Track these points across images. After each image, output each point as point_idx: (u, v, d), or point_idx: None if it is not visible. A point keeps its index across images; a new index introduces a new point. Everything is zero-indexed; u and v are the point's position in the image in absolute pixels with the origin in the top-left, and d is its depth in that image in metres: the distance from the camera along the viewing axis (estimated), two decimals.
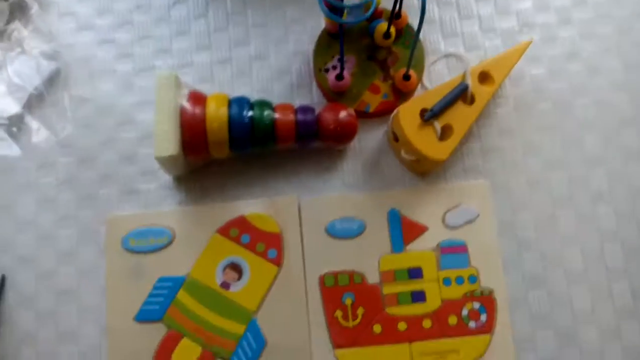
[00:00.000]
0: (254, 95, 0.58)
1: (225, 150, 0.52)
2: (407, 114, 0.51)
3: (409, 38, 0.57)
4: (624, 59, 0.58)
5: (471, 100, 0.53)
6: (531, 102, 0.58)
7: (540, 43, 0.59)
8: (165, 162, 0.50)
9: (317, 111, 0.54)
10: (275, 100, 0.57)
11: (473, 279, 0.53)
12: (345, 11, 0.55)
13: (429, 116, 0.51)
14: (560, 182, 0.55)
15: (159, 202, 0.56)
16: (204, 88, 0.58)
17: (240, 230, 0.54)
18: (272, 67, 0.60)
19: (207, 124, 0.51)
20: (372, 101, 0.56)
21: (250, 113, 0.52)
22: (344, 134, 0.54)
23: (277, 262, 0.54)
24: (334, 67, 0.57)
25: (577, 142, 0.56)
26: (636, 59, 0.58)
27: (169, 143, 0.49)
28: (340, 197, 0.56)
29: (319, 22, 0.60)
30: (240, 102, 0.52)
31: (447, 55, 0.59)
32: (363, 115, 0.56)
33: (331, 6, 0.47)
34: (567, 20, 0.59)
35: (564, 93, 0.58)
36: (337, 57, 0.57)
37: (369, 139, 0.57)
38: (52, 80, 0.60)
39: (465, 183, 0.56)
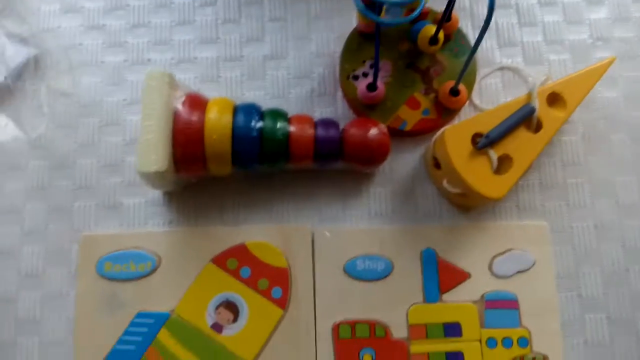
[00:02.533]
0: (266, 102, 0.57)
1: (227, 168, 0.52)
2: (456, 137, 0.50)
3: (458, 45, 0.58)
4: None
5: (537, 128, 0.51)
6: (603, 131, 0.57)
7: (617, 61, 0.59)
8: (150, 178, 0.49)
9: (341, 126, 0.54)
10: (291, 109, 0.56)
11: (524, 341, 0.51)
12: (384, 8, 0.55)
13: (483, 144, 0.49)
14: (635, 230, 0.54)
15: (144, 221, 0.56)
16: (207, 89, 0.59)
17: (239, 262, 0.54)
18: (290, 69, 0.60)
19: (206, 135, 0.50)
20: (410, 118, 0.56)
21: (260, 124, 0.51)
22: (373, 156, 0.53)
23: (282, 303, 0.53)
24: (365, 75, 0.57)
25: None
26: None
27: (156, 156, 0.48)
28: (363, 231, 0.55)
29: (349, 19, 0.60)
30: (249, 110, 0.52)
31: (502, 68, 0.59)
32: (397, 133, 0.56)
33: (369, 1, 0.48)
34: None
35: None
36: (369, 62, 0.57)
37: (403, 163, 0.57)
38: (27, 70, 0.60)
39: (519, 223, 0.55)
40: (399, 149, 0.57)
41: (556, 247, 0.54)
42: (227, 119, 0.51)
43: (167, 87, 0.51)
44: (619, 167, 0.56)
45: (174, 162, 0.50)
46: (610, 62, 0.55)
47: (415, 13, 0.46)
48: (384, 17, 0.55)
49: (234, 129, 0.51)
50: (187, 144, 0.50)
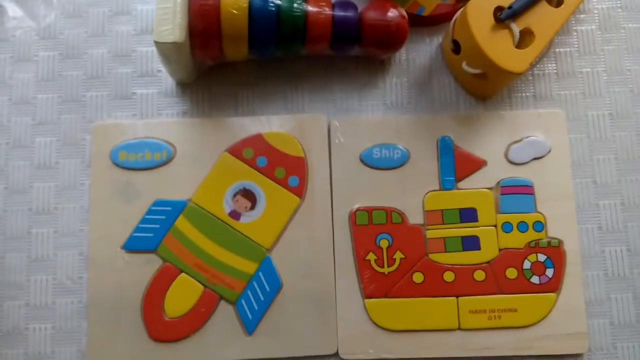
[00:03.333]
0: None
1: (244, 49, 0.47)
2: (478, 11, 0.45)
3: None
4: None
5: (558, 2, 0.47)
6: (620, 20, 0.52)
7: None
8: (168, 53, 0.44)
9: (359, 8, 0.48)
10: None
11: (539, 226, 0.48)
12: None
13: (507, 14, 0.45)
14: None
15: (157, 112, 0.51)
16: None
17: (255, 151, 0.49)
18: None
19: (222, 11, 0.45)
20: (428, 3, 0.50)
21: (277, 1, 0.46)
22: (391, 38, 0.48)
23: (299, 192, 0.48)
24: None
25: None
26: None
27: (174, 26, 0.43)
28: (379, 120, 0.50)
29: None
30: None
31: None
32: (415, 19, 0.50)
33: None
34: None
35: None
36: None
37: (420, 51, 0.52)
38: None
39: (535, 111, 0.50)
40: (415, 39, 0.52)
41: (572, 134, 0.50)
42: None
43: None
44: (635, 55, 0.51)
45: (190, 37, 0.45)
46: None
47: None
48: None
49: (251, 5, 0.46)
50: (204, 17, 0.45)
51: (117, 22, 0.52)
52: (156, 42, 0.44)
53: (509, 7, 0.45)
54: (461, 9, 0.47)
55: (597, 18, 0.52)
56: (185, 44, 0.44)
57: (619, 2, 0.52)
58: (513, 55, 0.45)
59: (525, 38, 0.46)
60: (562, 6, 0.47)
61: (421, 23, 0.51)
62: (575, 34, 0.52)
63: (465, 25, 0.45)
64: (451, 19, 0.50)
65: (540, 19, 0.46)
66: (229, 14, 0.45)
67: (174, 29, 0.43)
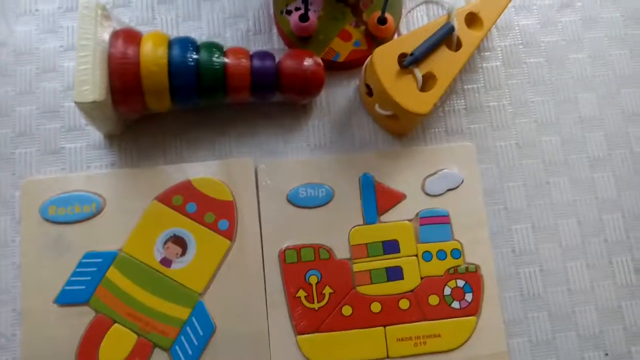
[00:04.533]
0: None
1: (166, 101, 0.46)
2: (383, 58, 0.46)
3: None
4: (623, 9, 0.55)
5: (457, 46, 0.48)
6: (521, 56, 0.54)
7: None
8: (90, 112, 0.44)
9: (277, 58, 0.49)
10: None
11: (457, 253, 0.48)
12: None
13: (409, 61, 0.46)
14: (553, 145, 0.52)
15: (86, 165, 0.49)
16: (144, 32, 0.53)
17: (185, 198, 0.48)
18: (225, 9, 0.54)
19: (142, 67, 0.44)
20: (342, 49, 0.51)
21: (195, 56, 0.46)
22: (308, 85, 0.48)
23: (229, 234, 0.48)
24: (298, 9, 0.51)
25: (572, 102, 0.53)
26: (636, 9, 0.55)
27: (92, 85, 0.42)
28: (304, 160, 0.50)
29: None
30: (184, 43, 0.46)
31: (427, 2, 0.54)
32: (331, 65, 0.51)
33: None
34: None
35: (557, 46, 0.54)
36: None
37: (338, 94, 0.52)
38: None
39: (447, 145, 0.51)
40: (334, 82, 0.52)
41: (482, 165, 0.51)
42: (163, 51, 0.46)
43: (101, 18, 0.45)
44: (536, 88, 0.53)
45: (111, 94, 0.45)
46: None
47: None
48: None
49: (170, 61, 0.46)
50: (124, 75, 0.45)
51: (45, 79, 0.51)
52: (77, 103, 0.43)
53: (411, 54, 0.46)
54: (370, 56, 0.48)
55: (500, 55, 0.54)
56: (106, 102, 0.43)
57: (519, 39, 0.54)
58: (417, 98, 0.46)
59: (428, 81, 0.47)
60: (461, 50, 0.48)
61: (338, 68, 0.52)
62: (481, 70, 0.53)
63: (372, 71, 0.46)
64: (365, 61, 0.51)
65: (441, 62, 0.47)
66: (148, 70, 0.44)
67: (94, 88, 0.42)
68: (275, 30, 0.53)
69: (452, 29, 0.47)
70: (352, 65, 0.52)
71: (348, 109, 0.52)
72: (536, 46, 0.54)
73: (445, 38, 0.47)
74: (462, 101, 0.52)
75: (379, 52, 0.46)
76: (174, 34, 0.53)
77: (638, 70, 0.54)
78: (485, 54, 0.53)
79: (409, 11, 0.54)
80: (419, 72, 0.46)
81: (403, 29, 0.53)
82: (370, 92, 0.49)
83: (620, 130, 0.52)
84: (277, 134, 0.51)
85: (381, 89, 0.46)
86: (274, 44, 0.53)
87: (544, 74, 0.53)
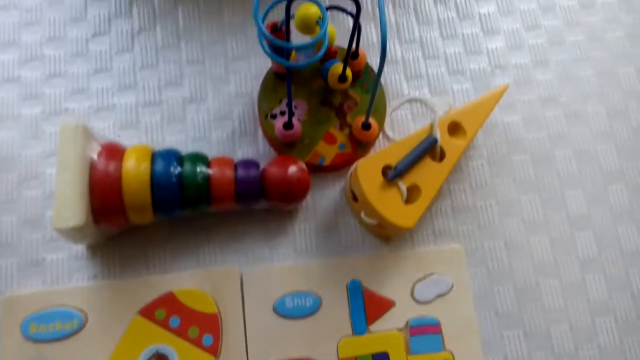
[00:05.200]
0: (188, 146, 0.51)
1: (148, 216, 0.45)
2: (367, 171, 0.45)
3: (368, 80, 0.52)
4: (606, 104, 0.54)
5: (441, 157, 0.47)
6: (506, 153, 0.52)
7: (514, 86, 0.54)
8: (69, 234, 0.42)
9: (262, 166, 0.48)
10: (213, 151, 0.51)
11: None
12: (294, 51, 0.49)
13: (392, 175, 0.44)
14: (542, 245, 0.50)
15: (67, 277, 0.47)
16: (128, 135, 0.51)
17: (168, 311, 0.46)
18: (210, 111, 0.53)
19: (124, 184, 0.43)
20: (327, 153, 0.50)
21: (178, 169, 0.44)
22: (294, 193, 0.47)
23: (214, 350, 0.46)
24: (283, 113, 0.50)
25: (559, 199, 0.51)
26: (620, 104, 0.54)
27: (73, 210, 0.41)
28: (290, 268, 0.48)
29: (266, 59, 0.53)
30: (167, 156, 0.45)
31: (410, 101, 0.53)
32: (317, 169, 0.50)
33: (275, 46, 0.41)
34: (543, 62, 0.55)
35: (542, 143, 0.53)
36: (285, 101, 0.51)
37: (324, 197, 0.51)
38: None
39: (435, 248, 0.50)
40: (320, 185, 0.51)
41: (471, 268, 0.49)
42: (145, 166, 0.44)
43: (81, 139, 0.44)
44: (522, 186, 0.52)
45: (92, 214, 0.43)
46: (503, 90, 0.50)
47: (319, 54, 0.40)
48: (296, 58, 0.49)
49: (153, 176, 0.44)
50: (105, 196, 0.43)
51: (26, 187, 0.50)
52: (56, 229, 0.41)
53: (395, 168, 0.45)
54: (354, 165, 0.46)
55: (485, 153, 0.52)
56: (87, 223, 0.42)
57: (503, 137, 0.53)
58: (403, 211, 0.44)
59: (413, 193, 0.46)
60: (445, 160, 0.47)
61: (324, 171, 0.51)
62: (466, 169, 0.52)
63: (357, 183, 0.45)
64: (351, 163, 0.50)
65: (426, 174, 0.46)
66: (130, 188, 0.43)
67: (74, 213, 0.41)
68: (261, 132, 0.52)
69: (435, 141, 0.46)
70: (338, 167, 0.50)
71: (334, 211, 0.51)
72: (519, 143, 0.53)
73: (428, 150, 0.46)
74: (449, 201, 0.51)
75: (363, 164, 0.45)
76: (158, 137, 0.51)
77: (625, 165, 0.53)
78: (470, 152, 0.52)
79: (393, 110, 0.53)
80: (403, 185, 0.45)
81: (388, 128, 0.52)
82: (355, 198, 0.47)
83: (610, 229, 0.51)
84: (263, 240, 0.49)
85: (366, 201, 0.44)
86: (260, 146, 0.52)
87: (529, 172, 0.52)
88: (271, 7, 0.41)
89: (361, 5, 0.41)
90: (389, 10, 0.56)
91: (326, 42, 0.42)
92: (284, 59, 0.42)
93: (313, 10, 0.41)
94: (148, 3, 0.55)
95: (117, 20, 0.55)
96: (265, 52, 0.40)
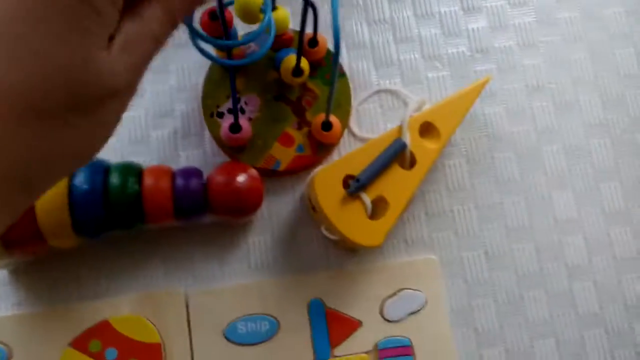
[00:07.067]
0: (124, 150, 0.43)
1: (70, 240, 0.37)
2: (325, 183, 0.37)
3: (330, 70, 0.44)
4: (601, 92, 0.47)
5: (411, 163, 0.39)
6: (487, 150, 0.45)
7: (497, 73, 0.46)
8: None
9: (206, 174, 0.40)
10: (153, 154, 0.43)
11: None
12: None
13: (354, 188, 0.37)
14: (527, 255, 0.43)
15: None
16: None
17: (103, 343, 0.39)
18: (149, 108, 0.44)
19: (37, 205, 0.35)
20: (283, 156, 0.42)
21: (101, 183, 0.37)
22: (244, 205, 0.39)
23: None
24: (230, 111, 0.43)
25: (546, 201, 0.44)
26: (617, 91, 0.47)
27: None
28: (242, 287, 0.41)
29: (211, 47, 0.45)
30: (89, 169, 0.37)
31: (379, 92, 0.46)
32: (272, 174, 0.42)
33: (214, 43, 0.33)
34: (530, 44, 0.47)
35: (528, 137, 0.45)
36: None
37: (282, 204, 0.43)
38: None
39: (407, 260, 0.43)
40: (276, 191, 0.43)
41: (447, 280, 0.43)
42: (62, 182, 0.37)
43: None
44: (505, 188, 0.44)
45: (1, 243, 0.35)
46: (484, 84, 0.43)
47: (261, 51, 0.32)
48: (247, 48, 0.41)
49: (71, 193, 0.37)
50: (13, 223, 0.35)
51: None
52: None
53: (357, 180, 0.37)
54: (310, 175, 0.39)
55: (463, 150, 0.45)
56: None
57: (484, 131, 0.46)
58: (367, 228, 0.37)
59: (379, 206, 0.38)
60: (416, 167, 0.39)
61: (280, 176, 0.43)
62: (442, 169, 0.45)
63: (314, 195, 0.37)
64: (311, 167, 0.42)
65: (393, 185, 0.38)
66: (43, 210, 0.35)
67: None
68: (207, 132, 0.44)
69: (403, 146, 0.38)
70: (296, 172, 0.43)
71: (293, 221, 0.43)
72: (503, 138, 0.45)
73: (396, 156, 0.38)
74: (422, 206, 0.44)
75: (321, 175, 0.37)
76: None
77: (620, 161, 0.45)
78: (446, 150, 0.45)
79: (360, 103, 0.45)
80: (367, 198, 0.37)
81: (354, 125, 0.45)
82: (315, 208, 0.40)
83: (601, 233, 0.44)
84: (212, 256, 0.42)
85: (325, 217, 0.37)
86: (207, 148, 0.44)
87: (513, 171, 0.45)
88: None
89: None
90: None
91: (273, 31, 0.34)
92: (223, 57, 0.34)
93: None
94: None
95: None
96: (200, 51, 0.32)
